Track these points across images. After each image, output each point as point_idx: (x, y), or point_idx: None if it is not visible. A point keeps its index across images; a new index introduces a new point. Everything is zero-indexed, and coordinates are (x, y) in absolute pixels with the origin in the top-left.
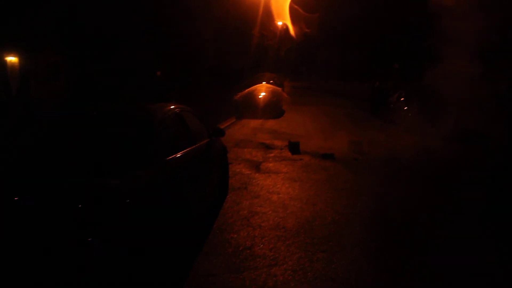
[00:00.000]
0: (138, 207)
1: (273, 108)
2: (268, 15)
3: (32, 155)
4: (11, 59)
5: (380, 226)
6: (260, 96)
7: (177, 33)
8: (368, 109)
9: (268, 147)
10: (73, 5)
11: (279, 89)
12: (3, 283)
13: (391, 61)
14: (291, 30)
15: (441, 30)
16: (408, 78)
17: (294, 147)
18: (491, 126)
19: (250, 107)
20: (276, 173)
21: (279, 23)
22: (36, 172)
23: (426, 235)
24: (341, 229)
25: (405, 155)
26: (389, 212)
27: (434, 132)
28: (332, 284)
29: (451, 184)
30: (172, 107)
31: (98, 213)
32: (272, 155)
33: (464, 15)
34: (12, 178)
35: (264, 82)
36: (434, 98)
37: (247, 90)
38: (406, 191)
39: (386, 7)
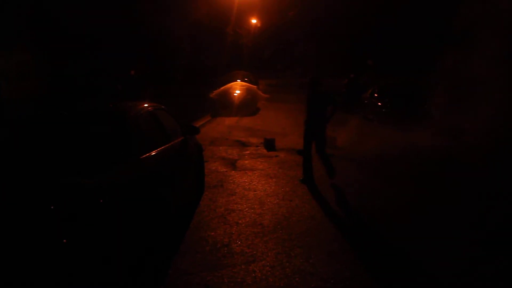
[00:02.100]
0: (112, 206)
1: (248, 106)
2: (242, 14)
3: (4, 156)
4: None
5: (357, 219)
6: (235, 94)
7: (151, 31)
8: (342, 105)
9: (243, 145)
10: (42, 1)
11: (254, 86)
12: None
13: (366, 57)
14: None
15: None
16: (383, 74)
17: (269, 144)
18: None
19: (225, 105)
20: (252, 170)
21: (253, 21)
22: (9, 173)
23: (403, 228)
24: (317, 224)
25: (379, 150)
26: (365, 205)
27: (408, 127)
28: (311, 279)
29: (427, 178)
30: (145, 105)
31: (72, 214)
32: (247, 152)
33: None
34: None
35: (239, 80)
36: (406, 93)
37: (222, 88)
38: (381, 184)
39: None
